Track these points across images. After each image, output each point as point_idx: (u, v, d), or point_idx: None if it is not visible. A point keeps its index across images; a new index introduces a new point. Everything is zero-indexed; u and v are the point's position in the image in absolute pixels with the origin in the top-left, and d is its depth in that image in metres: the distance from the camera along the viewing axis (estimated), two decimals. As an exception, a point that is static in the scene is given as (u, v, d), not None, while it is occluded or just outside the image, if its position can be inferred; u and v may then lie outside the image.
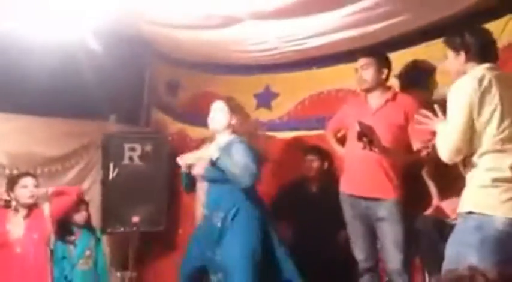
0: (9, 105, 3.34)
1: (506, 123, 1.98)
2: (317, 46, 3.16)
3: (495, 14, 2.58)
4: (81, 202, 3.57)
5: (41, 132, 3.61)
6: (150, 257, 4.17)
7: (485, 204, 1.98)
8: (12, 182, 3.17)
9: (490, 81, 1.99)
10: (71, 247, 3.46)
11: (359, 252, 2.88)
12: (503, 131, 1.98)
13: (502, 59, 2.30)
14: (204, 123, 3.95)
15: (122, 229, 3.90)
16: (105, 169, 3.94)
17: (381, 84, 2.85)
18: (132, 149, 3.98)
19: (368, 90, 2.86)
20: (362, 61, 2.85)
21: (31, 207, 3.17)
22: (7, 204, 3.12)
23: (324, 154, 3.29)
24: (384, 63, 2.85)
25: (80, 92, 3.60)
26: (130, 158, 3.97)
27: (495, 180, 1.97)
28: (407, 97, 2.82)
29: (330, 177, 3.27)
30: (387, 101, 2.82)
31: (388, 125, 2.74)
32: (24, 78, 3.16)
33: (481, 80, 1.98)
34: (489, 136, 1.99)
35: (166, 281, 3.97)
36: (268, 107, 3.68)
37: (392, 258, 2.72)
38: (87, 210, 3.61)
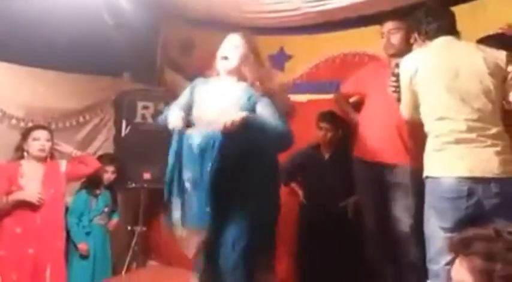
0: (26, 58, 3.35)
1: (446, 93, 2.11)
2: (341, 7, 3.07)
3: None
4: (111, 162, 3.64)
5: (57, 87, 3.61)
6: (159, 214, 4.24)
7: (434, 167, 2.15)
8: (25, 134, 3.14)
9: (424, 58, 2.21)
10: (94, 201, 3.55)
11: (370, 217, 2.90)
12: (444, 99, 2.12)
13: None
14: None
15: (133, 185, 3.98)
16: (118, 126, 3.99)
17: (408, 49, 2.73)
18: (145, 107, 4.00)
19: (394, 56, 2.77)
20: (390, 25, 2.75)
21: (46, 161, 3.15)
22: (21, 155, 3.10)
23: (338, 121, 3.23)
24: (412, 27, 2.72)
25: (95, 48, 3.59)
26: (143, 116, 3.99)
27: (441, 144, 2.11)
28: None
29: (343, 144, 3.25)
30: None
31: None
32: (43, 33, 3.15)
33: (415, 59, 2.24)
34: (433, 105, 2.16)
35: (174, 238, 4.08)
36: (281, 68, 3.64)
37: (402, 223, 2.74)
38: (116, 172, 3.69)
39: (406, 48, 2.73)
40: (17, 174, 3.05)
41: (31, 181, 3.06)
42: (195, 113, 2.39)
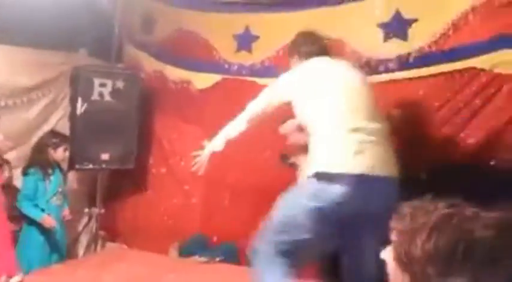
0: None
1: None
2: None
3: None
4: (62, 140, 3.47)
5: (8, 62, 3.37)
6: (120, 195, 4.16)
7: None
8: None
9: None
10: (47, 182, 3.40)
11: None
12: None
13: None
14: (182, 64, 3.87)
15: (90, 166, 3.84)
16: (74, 104, 3.79)
17: None
18: (103, 85, 3.83)
19: None
20: None
21: None
22: None
23: None
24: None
25: (49, 22, 3.37)
26: (100, 94, 3.83)
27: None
28: None
29: None
30: None
31: None
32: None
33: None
34: None
35: (137, 219, 4.02)
36: (248, 49, 3.57)
37: None
38: (67, 149, 3.52)
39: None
40: None
41: None
42: None
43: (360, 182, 1.95)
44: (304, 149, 2.38)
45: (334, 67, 2.30)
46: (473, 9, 2.71)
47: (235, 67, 3.60)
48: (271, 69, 3.41)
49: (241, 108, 3.43)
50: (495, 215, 0.91)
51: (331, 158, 2.04)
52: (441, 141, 2.86)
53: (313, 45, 2.43)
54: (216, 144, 2.43)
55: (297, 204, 2.05)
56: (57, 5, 3.34)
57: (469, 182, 2.43)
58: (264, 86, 3.40)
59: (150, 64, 4.09)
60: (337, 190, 1.95)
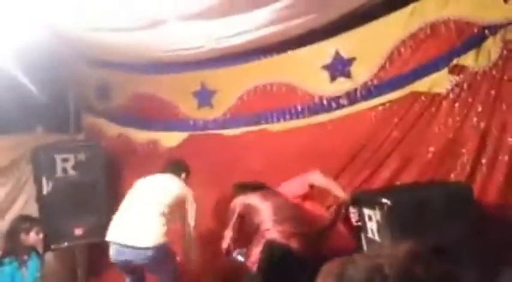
0: None
1: None
2: (244, 42, 3.26)
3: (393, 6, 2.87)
4: (32, 223, 3.40)
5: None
6: (103, 268, 4.05)
7: None
8: None
9: None
10: (24, 270, 3.28)
11: None
12: None
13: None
14: (147, 126, 3.94)
15: (65, 244, 3.76)
16: (38, 184, 3.74)
17: None
18: (65, 160, 3.81)
19: None
20: None
21: None
22: None
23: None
24: None
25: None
26: (64, 170, 3.80)
27: None
28: None
29: None
30: None
31: None
32: None
33: None
34: None
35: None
36: (209, 104, 3.69)
37: None
38: (39, 231, 3.44)
39: None
40: None
41: None
42: None
43: (117, 247, 3.07)
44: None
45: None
46: (403, 42, 2.92)
47: (201, 123, 3.71)
48: (234, 119, 3.56)
49: (210, 162, 3.58)
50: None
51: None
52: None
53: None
54: None
55: None
56: (8, 89, 3.33)
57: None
58: (229, 136, 3.60)
59: (111, 129, 4.11)
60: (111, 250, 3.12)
